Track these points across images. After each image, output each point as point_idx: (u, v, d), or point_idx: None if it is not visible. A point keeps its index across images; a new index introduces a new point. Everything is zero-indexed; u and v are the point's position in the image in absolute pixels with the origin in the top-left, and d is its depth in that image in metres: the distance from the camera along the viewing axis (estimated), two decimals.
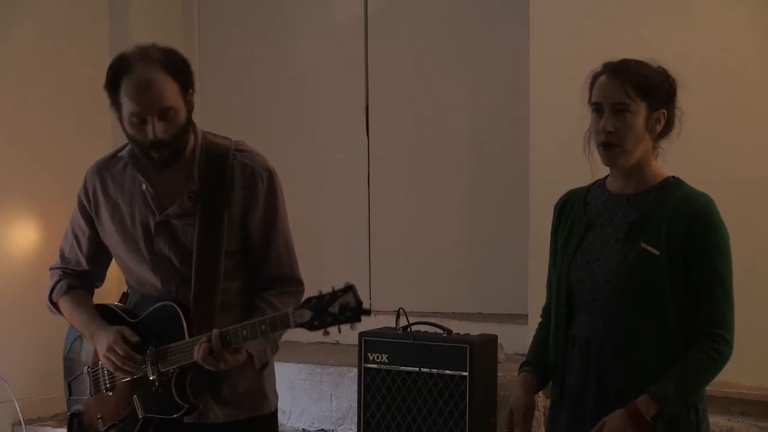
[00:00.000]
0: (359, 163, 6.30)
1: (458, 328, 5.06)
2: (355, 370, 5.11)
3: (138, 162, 3.25)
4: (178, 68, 3.14)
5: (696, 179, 3.08)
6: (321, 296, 2.93)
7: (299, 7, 6.47)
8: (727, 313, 2.96)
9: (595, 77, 3.03)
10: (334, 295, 2.92)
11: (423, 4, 6.17)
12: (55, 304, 3.44)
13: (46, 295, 3.44)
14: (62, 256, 3.44)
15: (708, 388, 3.01)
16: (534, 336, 3.26)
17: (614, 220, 3.04)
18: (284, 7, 6.50)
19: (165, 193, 3.23)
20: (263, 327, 3.02)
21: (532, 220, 5.15)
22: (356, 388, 5.11)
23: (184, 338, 3.14)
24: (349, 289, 2.92)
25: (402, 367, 4.97)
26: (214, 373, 3.15)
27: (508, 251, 5.75)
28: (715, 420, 4.37)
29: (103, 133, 6.46)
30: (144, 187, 3.23)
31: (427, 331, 5.00)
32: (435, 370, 4.90)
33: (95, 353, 3.34)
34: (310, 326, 2.95)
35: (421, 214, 6.18)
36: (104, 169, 3.33)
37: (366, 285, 6.16)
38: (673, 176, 3.06)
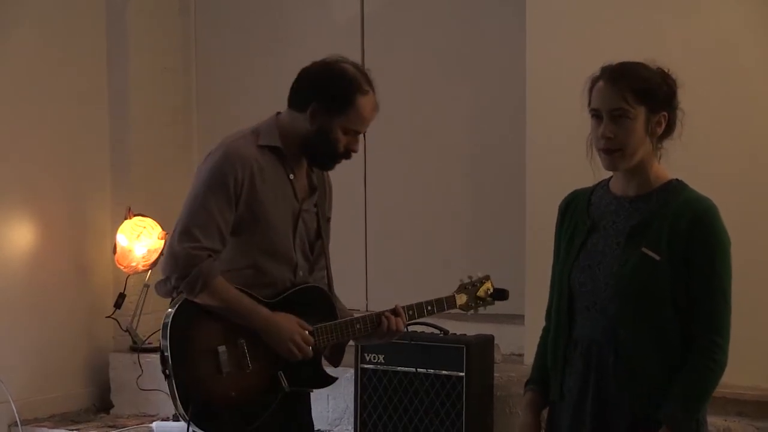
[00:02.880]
0: (355, 161, 6.25)
1: (455, 328, 5.06)
2: (352, 371, 5.11)
3: (291, 153, 3.54)
4: None
5: (695, 180, 3.07)
6: (471, 282, 3.71)
7: (297, 6, 6.47)
8: (724, 318, 2.97)
9: (594, 82, 3.02)
10: (480, 281, 3.71)
11: (420, 3, 6.16)
12: (203, 287, 3.41)
13: (196, 274, 3.39)
14: (204, 237, 3.43)
15: None
16: (539, 345, 3.25)
17: (617, 223, 3.04)
18: (281, 6, 6.50)
19: (301, 185, 3.59)
20: (429, 308, 3.67)
21: (529, 220, 5.15)
22: (353, 388, 5.11)
23: (335, 318, 3.55)
24: (488, 278, 3.73)
25: (399, 368, 4.98)
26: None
27: (505, 252, 5.74)
28: (711, 420, 4.35)
29: (102, 133, 6.48)
30: (291, 177, 3.54)
31: (423, 332, 5.01)
32: (432, 371, 4.91)
33: (228, 332, 3.43)
34: (467, 308, 3.72)
35: (417, 213, 6.17)
36: (252, 155, 3.49)
37: (362, 285, 6.16)
38: (677, 179, 3.05)
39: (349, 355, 5.16)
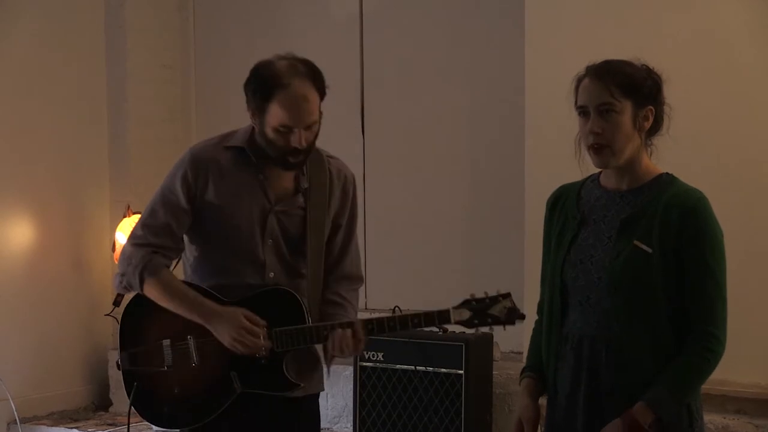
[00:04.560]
0: (354, 160, 6.28)
1: (453, 326, 5.05)
2: (351, 369, 5.11)
3: (257, 154, 3.44)
4: (320, 80, 3.40)
5: (691, 176, 3.07)
6: (482, 299, 3.41)
7: (296, 3, 6.47)
8: (719, 309, 2.96)
9: (579, 80, 3.03)
10: (495, 299, 3.40)
11: (419, 1, 6.16)
12: (142, 280, 3.43)
13: (131, 270, 3.44)
14: (150, 234, 3.46)
15: (703, 386, 3.01)
16: (532, 336, 3.27)
17: (607, 216, 3.05)
18: (280, 3, 6.50)
19: (277, 186, 3.48)
20: (416, 320, 3.42)
21: (528, 218, 5.15)
22: (352, 386, 5.12)
23: (305, 323, 3.39)
24: (508, 295, 3.42)
25: (398, 366, 4.98)
26: (304, 354, 3.47)
27: (503, 250, 5.75)
28: (710, 418, 4.38)
29: (100, 130, 6.49)
30: (261, 177, 3.46)
31: (422, 330, 5.00)
32: (431, 369, 4.91)
33: (177, 327, 3.43)
34: (469, 324, 3.43)
35: (416, 212, 6.17)
36: (212, 157, 3.48)
37: None
38: (667, 173, 3.06)
39: None
